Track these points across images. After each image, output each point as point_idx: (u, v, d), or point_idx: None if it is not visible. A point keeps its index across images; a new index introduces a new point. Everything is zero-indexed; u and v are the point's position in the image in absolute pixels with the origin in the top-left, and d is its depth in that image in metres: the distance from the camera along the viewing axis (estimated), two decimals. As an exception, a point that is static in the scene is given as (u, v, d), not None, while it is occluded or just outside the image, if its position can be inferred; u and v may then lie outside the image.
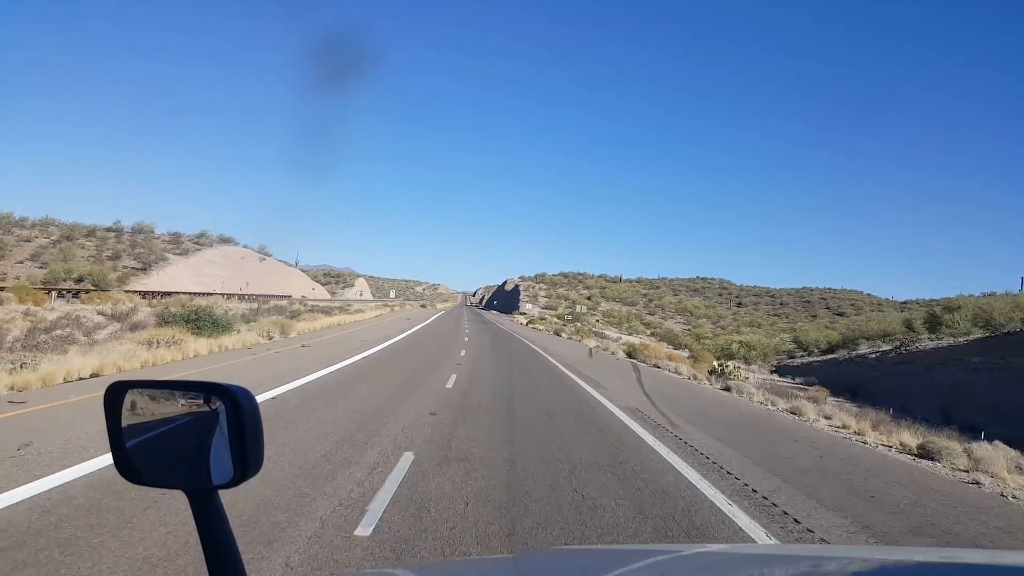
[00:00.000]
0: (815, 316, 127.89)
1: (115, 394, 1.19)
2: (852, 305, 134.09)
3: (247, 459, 1.07)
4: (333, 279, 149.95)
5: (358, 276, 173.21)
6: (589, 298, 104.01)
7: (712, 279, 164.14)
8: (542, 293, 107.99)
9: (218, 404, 1.12)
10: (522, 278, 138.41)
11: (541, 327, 52.03)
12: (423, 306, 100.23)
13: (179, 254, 56.51)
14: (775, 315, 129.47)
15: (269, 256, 75.87)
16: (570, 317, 64.29)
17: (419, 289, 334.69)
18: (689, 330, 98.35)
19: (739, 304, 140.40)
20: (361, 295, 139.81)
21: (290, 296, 72.39)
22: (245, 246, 71.31)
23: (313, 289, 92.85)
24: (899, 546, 4.55)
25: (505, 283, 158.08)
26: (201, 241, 61.88)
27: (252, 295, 60.80)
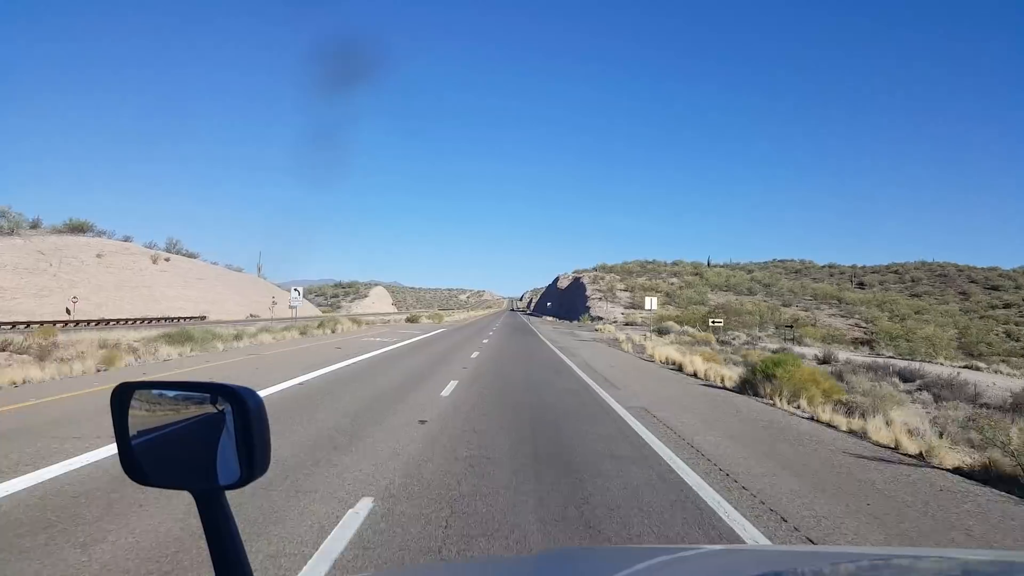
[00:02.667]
0: (965, 294, 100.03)
1: (122, 395, 1.17)
2: (1005, 278, 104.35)
3: (254, 460, 1.06)
4: (342, 290, 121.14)
5: (374, 286, 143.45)
6: (691, 287, 70.38)
7: (793, 260, 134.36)
8: (619, 286, 74.29)
9: (224, 405, 1.10)
10: (577, 272, 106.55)
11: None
12: (409, 320, 53.77)
13: None
14: (913, 295, 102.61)
15: (178, 254, 46.01)
16: (719, 323, 32.10)
17: (463, 297, 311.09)
18: (864, 329, 64.26)
19: (860, 285, 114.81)
20: (373, 304, 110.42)
21: (204, 317, 42.06)
22: (112, 236, 40.80)
23: (274, 303, 58.47)
24: (900, 547, 4.16)
25: (557, 280, 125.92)
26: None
27: (83, 320, 30.59)
